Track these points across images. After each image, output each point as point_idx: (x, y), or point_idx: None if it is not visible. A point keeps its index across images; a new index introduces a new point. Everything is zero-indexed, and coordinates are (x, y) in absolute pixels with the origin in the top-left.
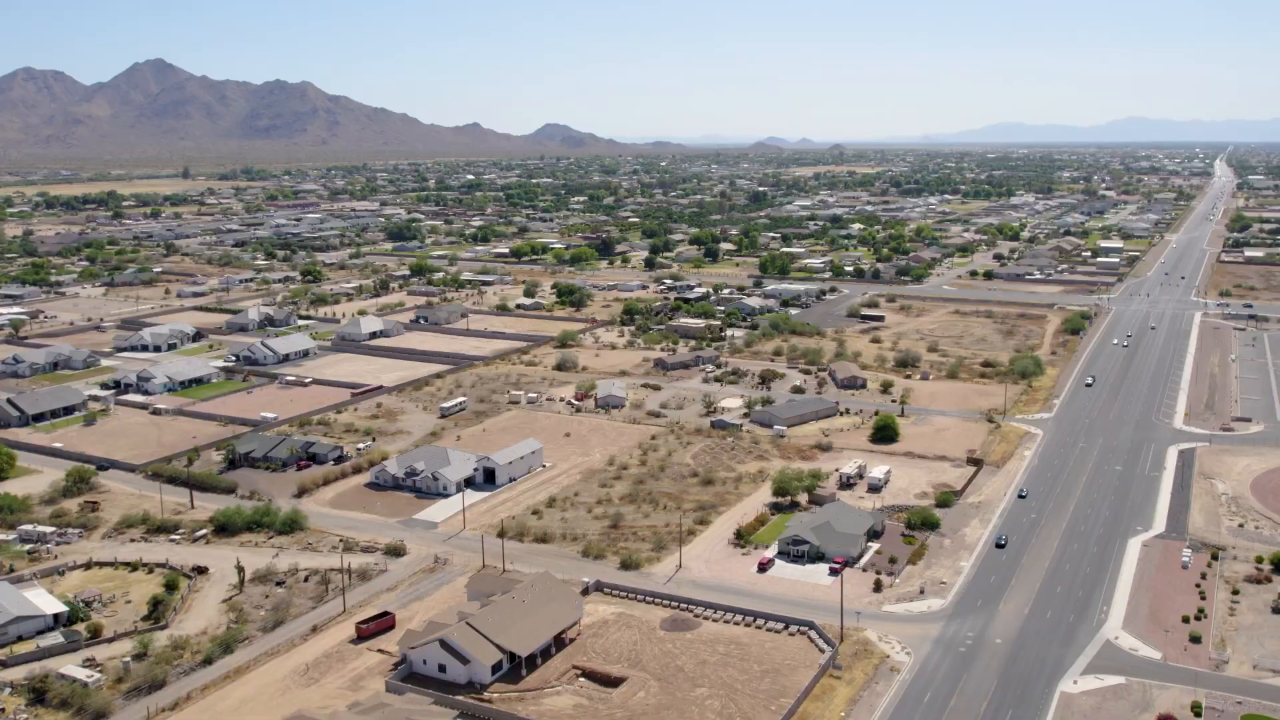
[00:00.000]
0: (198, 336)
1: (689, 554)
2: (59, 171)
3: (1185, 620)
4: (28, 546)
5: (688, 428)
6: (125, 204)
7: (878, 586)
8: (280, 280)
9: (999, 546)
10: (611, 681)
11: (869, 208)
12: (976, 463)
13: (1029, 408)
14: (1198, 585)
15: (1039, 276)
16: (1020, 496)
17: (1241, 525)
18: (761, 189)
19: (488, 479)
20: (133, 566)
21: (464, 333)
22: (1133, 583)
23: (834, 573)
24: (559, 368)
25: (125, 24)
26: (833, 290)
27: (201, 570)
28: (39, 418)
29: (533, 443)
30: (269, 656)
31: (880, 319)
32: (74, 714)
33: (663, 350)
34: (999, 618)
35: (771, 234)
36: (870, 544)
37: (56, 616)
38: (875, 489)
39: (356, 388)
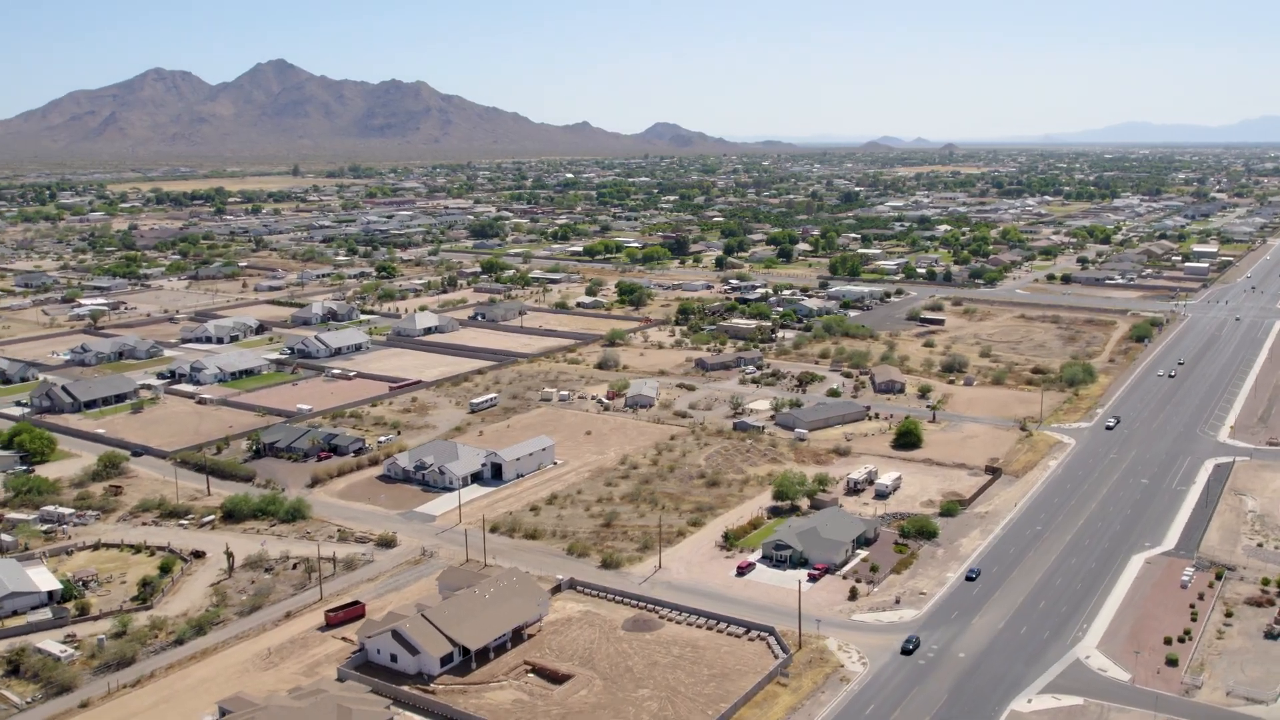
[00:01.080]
0: (260, 329)
1: (674, 555)
2: (178, 168)
3: (1167, 642)
4: (46, 527)
5: (709, 429)
6: (231, 200)
7: (853, 595)
8: (355, 276)
9: (969, 579)
10: (559, 679)
11: (962, 209)
12: (994, 472)
13: (1069, 416)
14: (1192, 606)
15: (1119, 281)
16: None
17: (1260, 545)
18: (857, 189)
19: (495, 474)
20: (136, 549)
21: (518, 330)
22: (1122, 601)
23: (813, 579)
24: (600, 366)
25: (250, 25)
26: (899, 293)
27: (199, 554)
28: (91, 404)
29: (544, 440)
30: (238, 640)
31: (940, 323)
32: (43, 686)
33: (709, 350)
34: (970, 631)
35: (853, 235)
36: (859, 551)
37: (51, 594)
38: (882, 495)
39: (397, 382)
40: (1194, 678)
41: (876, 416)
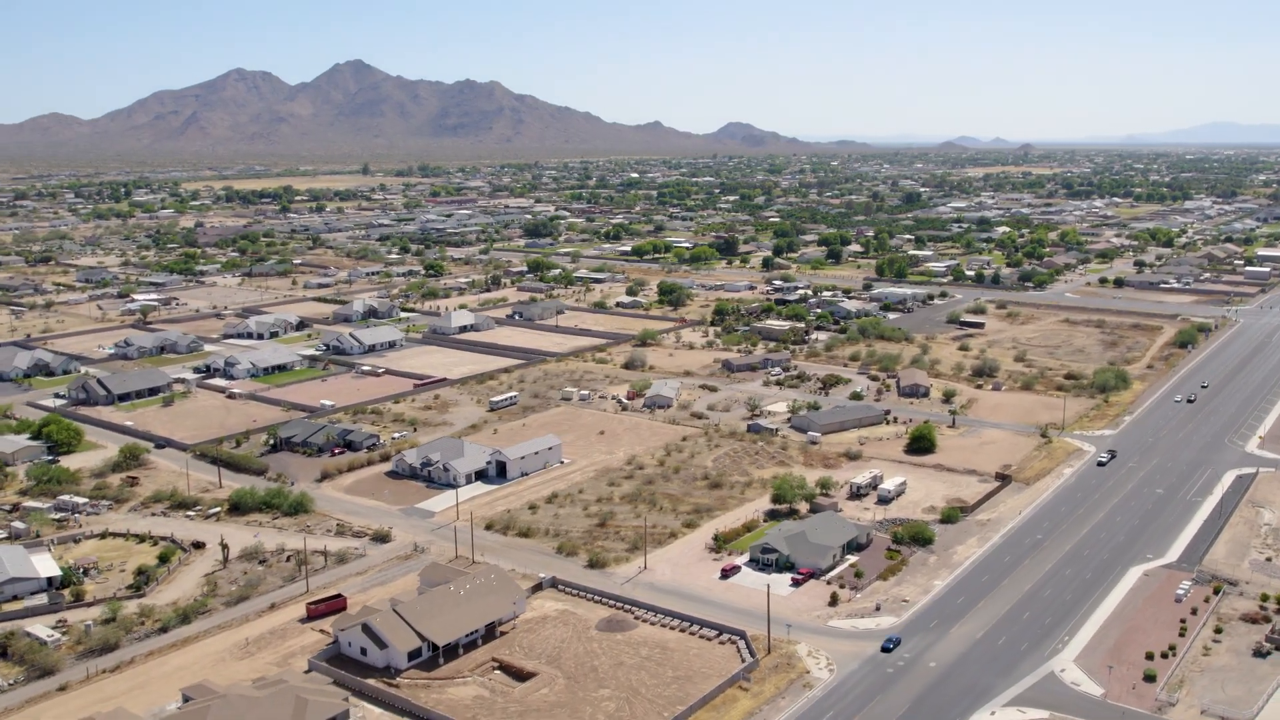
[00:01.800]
0: (301, 326)
1: (662, 556)
2: (253, 167)
3: (1149, 657)
4: (59, 515)
5: (723, 430)
6: (297, 199)
7: (833, 600)
8: (404, 274)
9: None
10: (523, 676)
11: (1025, 210)
12: (1003, 479)
13: (1094, 423)
14: (1183, 621)
15: (1174, 285)
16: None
17: (1270, 559)
18: (922, 189)
19: (500, 472)
20: (141, 538)
21: (552, 329)
22: (1111, 614)
23: (796, 584)
24: (627, 366)
25: (329, 26)
26: (943, 295)
27: (199, 545)
28: (124, 397)
29: (551, 439)
30: (220, 629)
31: (979, 326)
32: (26, 669)
33: (739, 352)
34: (946, 640)
35: (907, 236)
36: (849, 557)
37: (50, 580)
38: (885, 500)
39: (423, 379)
40: (1170, 695)
41: (895, 420)
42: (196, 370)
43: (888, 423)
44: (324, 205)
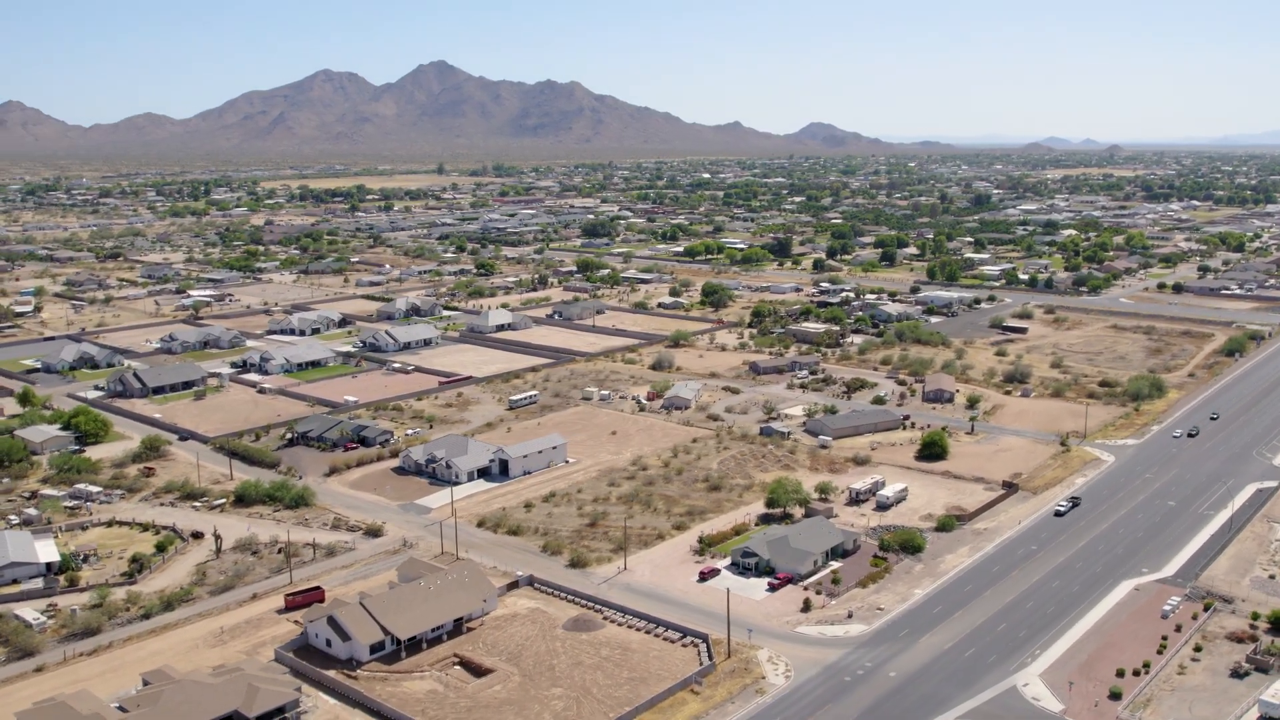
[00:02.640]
0: (343, 323)
1: (645, 558)
2: (333, 166)
3: (1119, 674)
4: (73, 503)
5: (735, 433)
6: (368, 198)
7: (806, 606)
8: (455, 273)
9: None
10: (481, 672)
11: (1097, 213)
12: (1010, 487)
13: (1119, 432)
14: (1164, 638)
15: (1235, 291)
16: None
17: (1273, 577)
18: (995, 191)
19: (502, 470)
20: (145, 527)
21: (589, 329)
22: (1090, 629)
23: (772, 588)
24: (654, 367)
25: (415, 28)
26: (991, 299)
27: (198, 535)
28: (159, 390)
29: (556, 438)
30: (200, 617)
31: (1022, 331)
32: (9, 651)
33: (771, 354)
34: (913, 650)
35: (968, 239)
36: (833, 563)
37: (49, 565)
38: (883, 507)
39: (449, 377)
40: (1133, 714)
41: (913, 426)
42: (234, 365)
43: (905, 428)
44: (391, 204)
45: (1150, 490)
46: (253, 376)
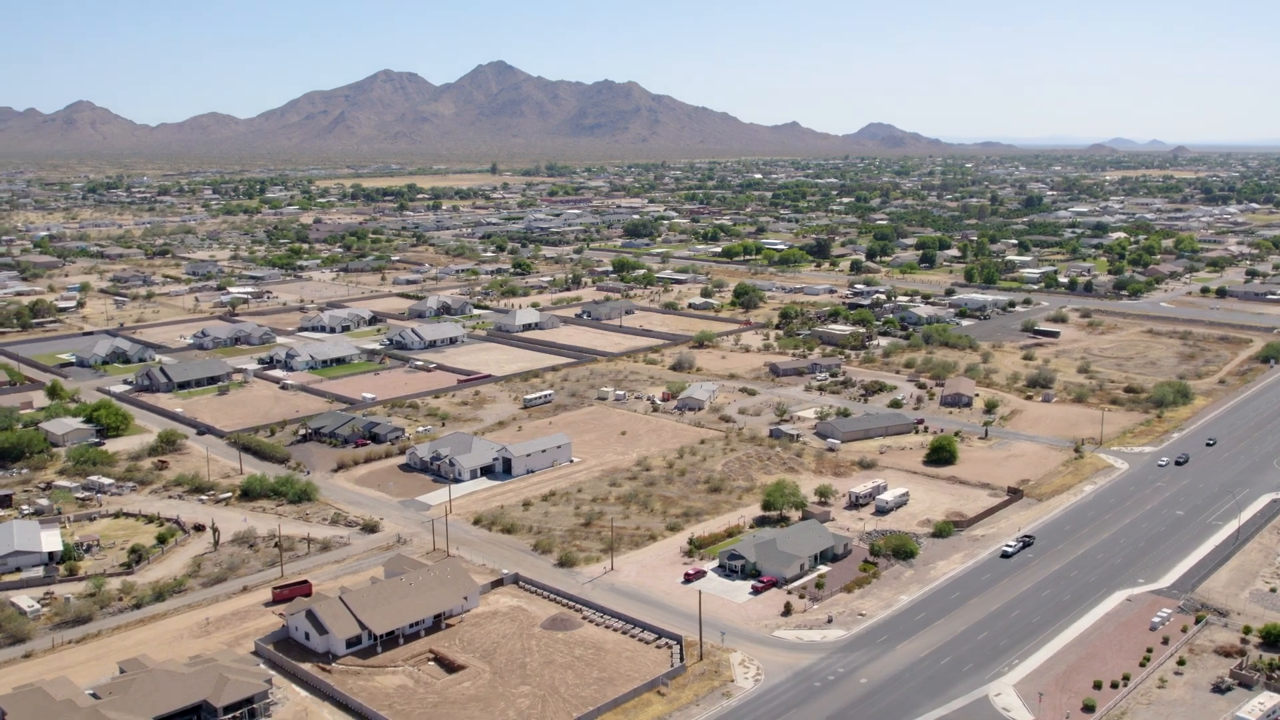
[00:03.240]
0: (374, 321)
1: (634, 559)
2: (388, 165)
3: (1096, 686)
4: (85, 494)
5: (744, 435)
6: (418, 197)
7: (787, 610)
8: (492, 272)
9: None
10: (454, 669)
11: (1150, 216)
12: (1015, 493)
13: (1137, 439)
14: (1149, 650)
15: None
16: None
17: (1274, 590)
18: (1050, 193)
19: (505, 469)
20: (150, 519)
21: (616, 329)
22: (1074, 639)
23: (756, 591)
24: (674, 368)
25: (474, 28)
26: (1026, 302)
27: (200, 528)
28: (184, 385)
29: (561, 437)
30: (190, 608)
31: (1054, 335)
32: (2, 636)
33: (794, 356)
34: (889, 657)
35: (1012, 241)
36: (821, 567)
37: (51, 554)
38: (882, 511)
39: (469, 375)
40: None
41: (926, 430)
42: (261, 361)
43: (917, 432)
44: (439, 204)
45: (1160, 499)
46: (277, 373)
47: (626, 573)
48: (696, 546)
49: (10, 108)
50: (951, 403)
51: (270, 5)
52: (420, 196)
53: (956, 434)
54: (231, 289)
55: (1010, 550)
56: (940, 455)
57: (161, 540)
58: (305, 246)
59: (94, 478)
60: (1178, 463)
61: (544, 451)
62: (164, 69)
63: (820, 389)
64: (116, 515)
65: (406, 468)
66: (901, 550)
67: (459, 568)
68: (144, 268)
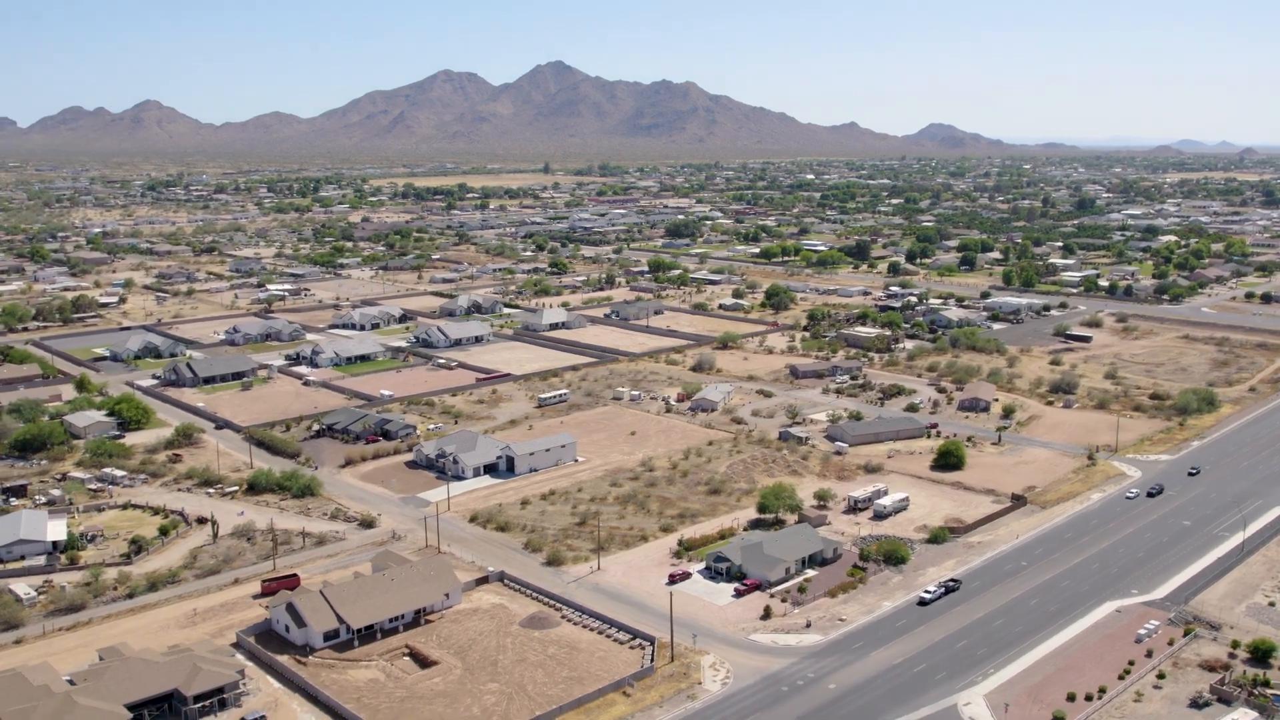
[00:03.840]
0: (403, 319)
1: (622, 559)
2: (443, 165)
3: (1070, 698)
4: (97, 486)
5: (752, 437)
6: (468, 196)
7: (766, 614)
8: (529, 271)
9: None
10: (427, 664)
11: (1206, 219)
12: (1018, 500)
13: (1155, 447)
14: (1131, 662)
15: None
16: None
17: (1273, 604)
18: (1105, 195)
19: (509, 467)
20: (155, 511)
21: (643, 329)
22: (1055, 650)
23: (738, 594)
24: (694, 369)
25: (533, 28)
26: (1062, 306)
27: (202, 521)
28: (209, 380)
29: (565, 436)
30: (180, 599)
31: (1086, 340)
32: None
33: (818, 357)
34: (862, 663)
35: (1058, 244)
36: (809, 570)
37: (55, 544)
38: (880, 516)
39: (488, 374)
40: None
41: (938, 434)
42: (288, 358)
43: (929, 436)
44: (487, 203)
45: (1169, 509)
46: (302, 369)
47: (613, 573)
48: (686, 548)
49: (81, 107)
50: (969, 407)
51: (333, 6)
52: (469, 196)
53: (969, 439)
54: (271, 286)
55: (927, 598)
56: (948, 460)
57: (163, 532)
58: (349, 245)
59: (107, 470)
60: (1149, 494)
61: (547, 450)
62: (229, 69)
63: (838, 391)
64: (125, 507)
65: (413, 464)
66: (893, 556)
67: (444, 564)
68: (189, 264)
